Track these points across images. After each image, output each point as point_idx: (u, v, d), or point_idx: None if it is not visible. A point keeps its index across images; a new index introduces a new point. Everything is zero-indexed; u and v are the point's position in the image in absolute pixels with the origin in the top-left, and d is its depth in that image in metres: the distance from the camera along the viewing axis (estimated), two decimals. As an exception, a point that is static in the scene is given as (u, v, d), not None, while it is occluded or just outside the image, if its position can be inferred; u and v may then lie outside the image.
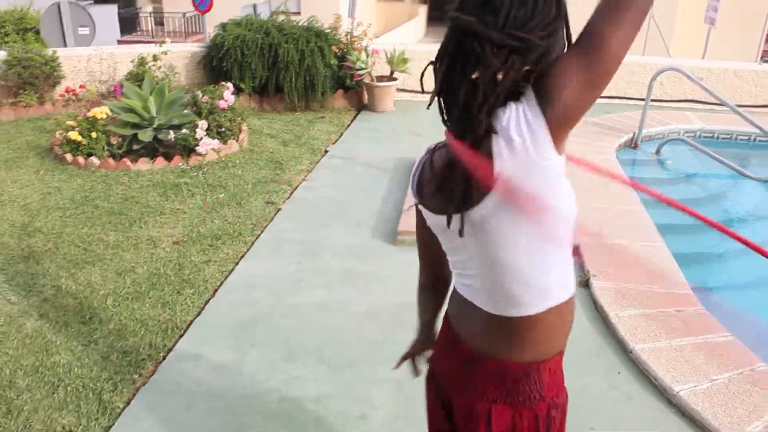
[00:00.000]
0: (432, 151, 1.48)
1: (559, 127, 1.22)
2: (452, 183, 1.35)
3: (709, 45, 15.85)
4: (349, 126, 7.57)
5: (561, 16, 1.29)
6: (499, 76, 1.23)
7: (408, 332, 3.65)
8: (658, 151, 6.87)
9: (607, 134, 7.07)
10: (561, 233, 1.38)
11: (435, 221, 1.47)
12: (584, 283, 4.09)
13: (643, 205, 5.15)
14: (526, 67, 1.24)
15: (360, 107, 8.29)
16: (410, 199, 4.58)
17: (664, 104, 8.34)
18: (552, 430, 1.54)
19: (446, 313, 1.66)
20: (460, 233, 1.38)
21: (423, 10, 26.39)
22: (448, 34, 1.32)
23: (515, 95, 1.25)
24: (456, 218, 1.37)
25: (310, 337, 3.60)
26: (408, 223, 4.76)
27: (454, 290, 1.61)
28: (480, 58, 1.23)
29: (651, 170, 6.58)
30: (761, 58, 18.78)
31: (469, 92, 1.25)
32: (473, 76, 1.24)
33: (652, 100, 7.59)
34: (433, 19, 27.17)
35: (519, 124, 1.22)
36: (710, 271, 4.84)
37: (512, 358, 1.48)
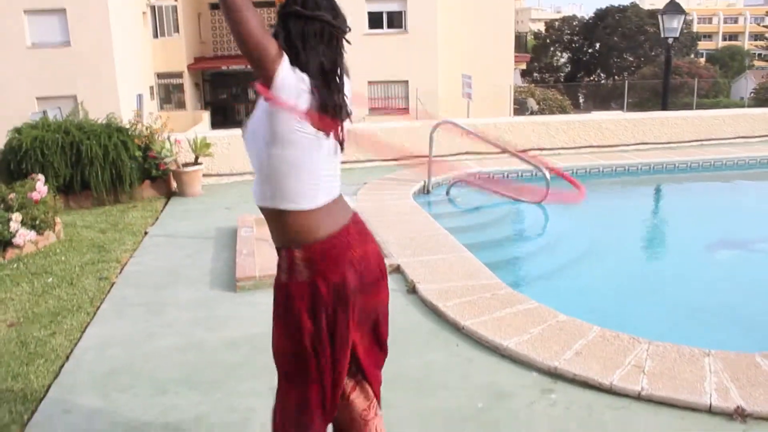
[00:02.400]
0: None
1: None
2: None
3: (471, 113, 18.04)
4: (162, 210, 7.74)
5: None
6: None
7: (265, 355, 4.00)
8: (447, 192, 7.87)
9: (403, 185, 7.96)
10: None
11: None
12: (412, 290, 4.69)
13: (445, 230, 5.97)
14: None
15: (169, 194, 8.48)
16: (242, 252, 4.98)
17: (444, 158, 9.47)
18: None
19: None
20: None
21: (206, 116, 26.96)
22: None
23: None
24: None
25: (176, 373, 3.78)
26: (244, 270, 5.09)
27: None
28: None
29: (445, 207, 7.55)
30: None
31: None
32: None
33: (434, 156, 8.64)
34: (215, 124, 27.79)
35: None
36: (508, 267, 5.71)
37: None
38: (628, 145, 10.30)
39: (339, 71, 2.11)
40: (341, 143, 2.16)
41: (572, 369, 3.38)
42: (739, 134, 10.69)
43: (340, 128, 2.13)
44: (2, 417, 3.42)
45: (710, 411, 3.00)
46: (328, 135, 2.08)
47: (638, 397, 3.15)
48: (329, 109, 2.05)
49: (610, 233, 6.68)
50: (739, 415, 2.90)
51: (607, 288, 5.26)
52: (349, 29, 2.13)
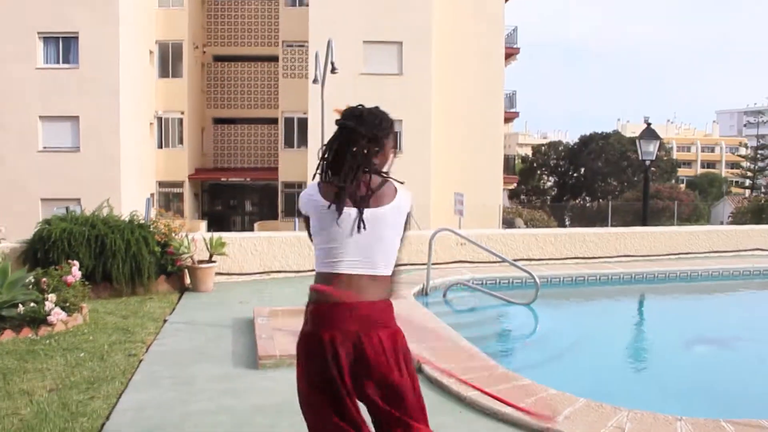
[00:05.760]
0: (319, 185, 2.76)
1: None
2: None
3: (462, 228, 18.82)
4: (178, 302, 8.26)
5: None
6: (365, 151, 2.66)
7: (292, 418, 4.45)
8: (444, 295, 8.48)
9: (404, 287, 8.56)
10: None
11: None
12: (418, 369, 5.20)
13: (444, 323, 6.57)
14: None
15: (183, 289, 9.01)
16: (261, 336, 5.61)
17: (441, 266, 10.11)
18: None
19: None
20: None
21: (203, 225, 27.73)
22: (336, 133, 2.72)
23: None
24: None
25: (212, 430, 4.24)
26: (266, 350, 5.60)
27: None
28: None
29: (442, 308, 8.14)
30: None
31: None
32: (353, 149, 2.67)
33: (432, 264, 9.27)
34: (213, 233, 28.51)
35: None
36: (502, 356, 6.26)
37: None
38: (610, 257, 11.03)
39: None
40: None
41: (562, 429, 3.89)
42: (713, 249, 11.50)
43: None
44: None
45: (680, 462, 3.52)
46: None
47: (619, 451, 3.67)
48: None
49: (596, 329, 7.30)
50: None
51: (593, 373, 5.83)
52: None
